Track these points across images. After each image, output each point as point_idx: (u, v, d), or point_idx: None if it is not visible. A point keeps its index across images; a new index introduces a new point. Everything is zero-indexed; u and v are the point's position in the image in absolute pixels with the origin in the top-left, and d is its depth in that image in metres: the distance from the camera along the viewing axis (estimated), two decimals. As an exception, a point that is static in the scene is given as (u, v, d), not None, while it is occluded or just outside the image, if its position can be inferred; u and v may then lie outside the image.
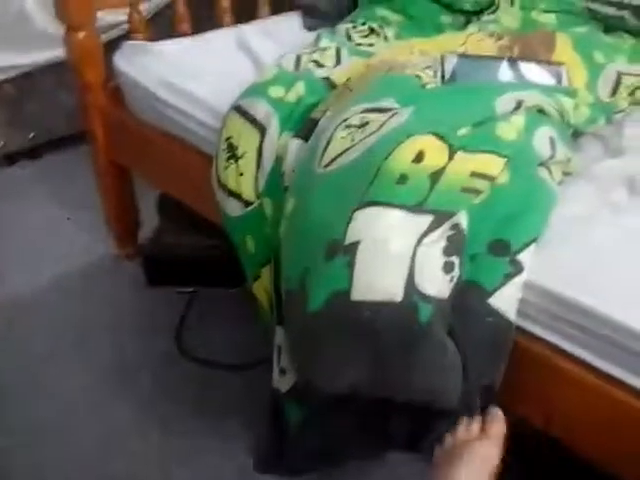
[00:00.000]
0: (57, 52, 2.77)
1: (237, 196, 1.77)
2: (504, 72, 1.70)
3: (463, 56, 1.75)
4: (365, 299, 1.34)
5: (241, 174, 1.76)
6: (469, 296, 1.40)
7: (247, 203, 1.76)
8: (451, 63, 1.72)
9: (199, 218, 2.24)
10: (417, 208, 1.36)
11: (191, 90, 2.13)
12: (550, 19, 2.05)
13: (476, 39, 1.88)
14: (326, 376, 1.47)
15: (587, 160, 1.64)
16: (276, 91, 1.81)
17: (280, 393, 1.71)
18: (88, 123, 2.50)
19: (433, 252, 1.36)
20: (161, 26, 2.73)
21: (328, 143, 1.56)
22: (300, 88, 1.82)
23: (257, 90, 1.84)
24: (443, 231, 1.37)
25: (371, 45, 2.11)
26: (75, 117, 2.68)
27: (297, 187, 1.61)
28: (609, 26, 2.02)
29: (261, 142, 1.75)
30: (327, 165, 1.51)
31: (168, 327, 2.42)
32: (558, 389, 1.41)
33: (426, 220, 1.36)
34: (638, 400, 1.30)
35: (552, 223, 1.44)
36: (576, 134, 1.70)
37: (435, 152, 1.42)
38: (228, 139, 1.81)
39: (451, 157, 1.42)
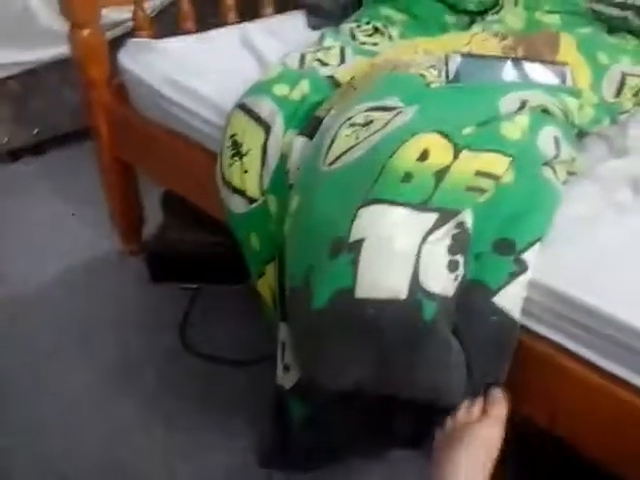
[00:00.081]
0: (61, 49, 2.79)
1: (241, 193, 1.77)
2: (508, 72, 1.70)
3: (467, 56, 1.75)
4: (369, 297, 1.34)
5: (245, 171, 1.76)
6: (474, 295, 1.40)
7: (251, 200, 1.76)
8: (455, 63, 1.72)
9: (203, 215, 2.25)
10: (422, 206, 1.36)
11: (195, 88, 2.14)
12: (554, 20, 2.05)
13: (480, 39, 1.87)
14: (330, 373, 1.48)
15: (592, 160, 1.64)
16: (280, 89, 1.82)
17: (284, 389, 1.71)
18: (92, 120, 2.51)
19: (438, 250, 1.36)
20: (165, 24, 2.74)
21: (332, 141, 1.56)
22: (304, 86, 1.82)
23: (262, 88, 1.85)
24: (448, 229, 1.37)
25: (375, 44, 2.11)
26: (79, 114, 2.69)
27: (302, 185, 1.61)
28: (613, 27, 2.02)
29: (266, 140, 1.76)
30: (332, 163, 1.52)
31: (172, 323, 2.43)
32: (562, 388, 1.41)
33: (431, 218, 1.36)
34: (642, 400, 1.31)
35: (557, 223, 1.44)
36: (580, 134, 1.70)
37: (440, 151, 1.42)
38: (232, 136, 1.81)
39: (456, 156, 1.42)
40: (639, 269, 1.36)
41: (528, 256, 1.39)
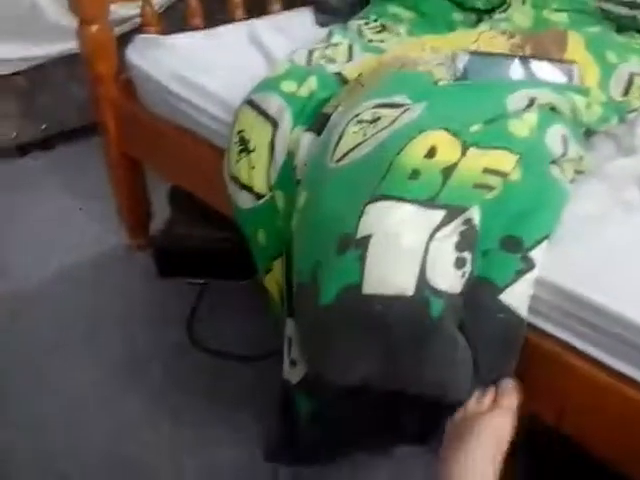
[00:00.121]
0: (69, 45, 2.80)
1: (249, 189, 1.78)
2: (515, 70, 1.70)
3: (475, 53, 1.75)
4: (377, 293, 1.35)
5: (253, 167, 1.77)
6: (480, 292, 1.40)
7: (259, 196, 1.77)
8: (463, 60, 1.72)
9: (210, 210, 2.25)
10: (429, 203, 1.37)
11: (203, 84, 2.14)
12: (562, 18, 2.05)
13: (488, 37, 1.87)
14: (337, 369, 1.48)
15: (599, 159, 1.64)
16: (288, 86, 1.82)
17: (290, 385, 1.71)
18: (100, 115, 2.51)
19: (445, 247, 1.36)
20: (173, 20, 2.74)
21: (340, 138, 1.56)
22: (312, 83, 1.82)
23: (269, 84, 1.85)
24: (455, 226, 1.37)
25: (383, 42, 2.11)
26: (87, 109, 2.69)
27: (309, 181, 1.62)
28: (621, 26, 2.02)
29: (273, 136, 1.76)
30: (339, 160, 1.52)
31: (179, 318, 2.43)
32: (569, 386, 1.41)
33: (438, 215, 1.37)
34: (649, 398, 1.32)
35: (564, 221, 1.44)
36: (588, 133, 1.70)
37: (447, 147, 1.43)
38: (240, 132, 1.81)
39: (463, 153, 1.42)
40: (647, 268, 1.36)
41: (535, 254, 1.39)
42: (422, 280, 1.34)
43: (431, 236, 1.36)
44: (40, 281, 2.66)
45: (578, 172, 1.58)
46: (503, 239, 1.41)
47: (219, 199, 1.96)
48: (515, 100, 1.56)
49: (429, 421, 1.54)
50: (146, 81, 2.34)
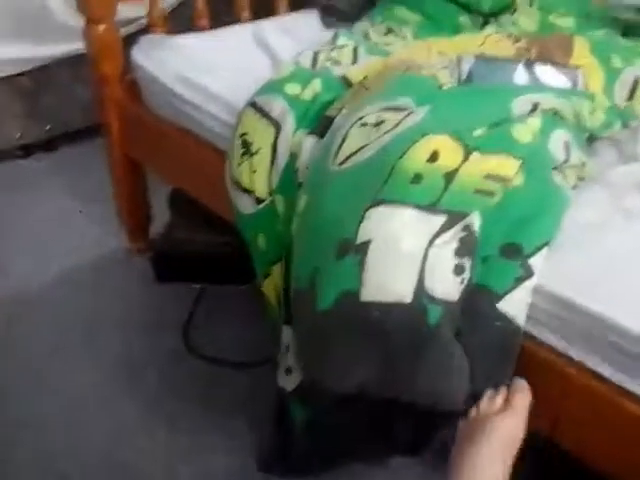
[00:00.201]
0: (74, 45, 2.80)
1: (250, 193, 1.76)
2: (520, 74, 1.69)
3: (480, 57, 1.74)
4: (375, 300, 1.34)
5: (254, 171, 1.76)
6: (479, 299, 1.39)
7: (259, 200, 1.75)
8: (468, 64, 1.71)
9: (210, 214, 2.24)
10: (430, 208, 1.36)
11: (207, 85, 2.13)
12: (568, 22, 2.05)
13: (494, 40, 1.87)
14: (335, 375, 1.47)
15: (602, 165, 1.63)
16: (292, 88, 1.81)
17: (285, 392, 1.70)
18: (104, 116, 2.50)
19: (445, 253, 1.35)
20: (180, 21, 2.73)
21: (343, 141, 1.55)
22: (316, 85, 1.81)
23: (273, 87, 1.84)
24: (455, 232, 1.36)
25: (388, 44, 2.11)
26: (91, 110, 2.69)
27: (310, 184, 1.60)
28: (627, 30, 2.02)
29: (276, 138, 1.75)
30: (341, 163, 1.51)
31: (176, 324, 2.41)
32: (565, 395, 1.39)
33: (439, 220, 1.35)
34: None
35: (565, 228, 1.43)
36: (591, 138, 1.69)
37: (450, 152, 1.42)
38: (243, 135, 1.80)
39: (466, 158, 1.41)
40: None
41: (535, 261, 1.38)
42: (420, 287, 1.33)
43: (431, 242, 1.34)
44: (43, 282, 2.65)
45: (580, 178, 1.57)
46: (503, 246, 1.40)
47: (221, 203, 1.95)
48: (520, 104, 1.55)
49: (422, 432, 1.52)
50: (151, 82, 2.33)
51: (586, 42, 1.81)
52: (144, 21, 2.62)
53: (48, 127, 3.39)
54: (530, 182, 1.45)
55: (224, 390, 2.16)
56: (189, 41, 2.37)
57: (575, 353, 1.36)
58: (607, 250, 1.40)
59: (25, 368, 2.29)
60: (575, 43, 1.80)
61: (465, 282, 1.37)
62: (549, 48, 1.78)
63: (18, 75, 3.23)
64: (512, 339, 1.38)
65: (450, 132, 1.44)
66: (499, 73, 1.70)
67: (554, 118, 1.57)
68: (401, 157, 1.40)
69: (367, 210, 1.37)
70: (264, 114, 1.79)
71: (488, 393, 1.40)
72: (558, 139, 1.53)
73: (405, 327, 1.34)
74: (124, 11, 2.60)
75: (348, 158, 1.51)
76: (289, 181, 1.71)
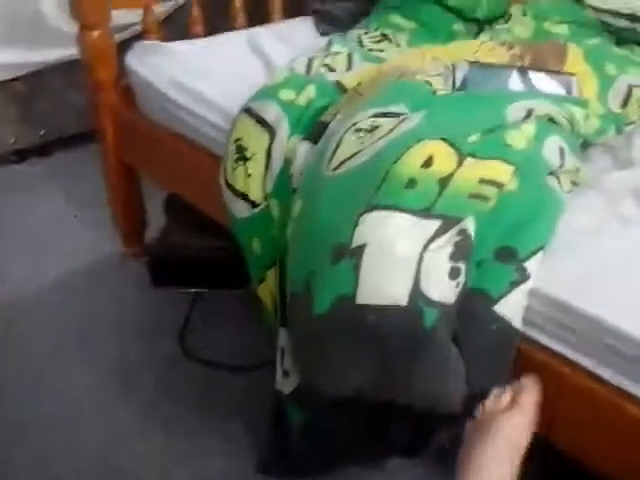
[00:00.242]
0: (68, 51, 2.80)
1: (245, 197, 1.77)
2: (514, 81, 1.70)
3: (474, 64, 1.75)
4: (370, 303, 1.34)
5: (249, 175, 1.76)
6: (474, 303, 1.39)
7: (254, 204, 1.76)
8: (462, 71, 1.72)
9: (205, 219, 2.24)
10: (425, 213, 1.36)
11: (201, 90, 2.13)
12: (562, 30, 2.05)
13: (488, 47, 1.87)
14: (331, 379, 1.47)
15: (596, 171, 1.64)
16: (287, 94, 1.81)
17: (283, 395, 1.71)
18: (98, 122, 2.50)
19: (440, 257, 1.35)
20: (175, 28, 2.74)
21: (337, 146, 1.56)
22: (311, 91, 1.81)
23: (268, 93, 1.84)
24: (450, 236, 1.36)
25: (382, 51, 2.10)
26: (85, 115, 2.69)
27: (305, 189, 1.61)
28: (621, 38, 2.02)
29: (270, 144, 1.75)
30: (336, 168, 1.51)
31: (172, 328, 2.41)
32: (560, 396, 1.40)
33: (433, 225, 1.36)
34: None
35: (560, 233, 1.44)
36: (585, 145, 1.70)
37: (444, 157, 1.42)
38: (237, 140, 1.80)
39: (460, 163, 1.42)
40: (641, 280, 1.35)
41: (530, 265, 1.39)
42: (416, 290, 1.33)
43: (425, 246, 1.35)
44: (38, 288, 2.65)
45: (574, 184, 1.58)
46: (498, 250, 1.41)
47: (215, 208, 1.95)
48: (514, 111, 1.56)
49: (419, 434, 1.52)
50: (145, 88, 2.33)
51: (580, 50, 1.82)
52: (139, 27, 2.62)
53: (42, 132, 3.39)
54: (524, 187, 1.46)
55: (220, 393, 2.16)
56: (183, 47, 2.38)
57: (571, 355, 1.37)
58: (602, 255, 1.40)
59: (23, 368, 2.29)
60: (569, 51, 1.81)
61: (460, 286, 1.37)
62: (543, 55, 1.78)
63: (12, 80, 3.23)
64: (508, 342, 1.39)
65: (445, 138, 1.45)
66: (494, 80, 1.71)
67: (548, 124, 1.58)
68: (395, 162, 1.41)
69: (361, 215, 1.37)
70: (259, 120, 1.79)
71: (495, 391, 1.39)
72: (552, 145, 1.54)
73: (401, 330, 1.34)
74: (118, 17, 2.61)
75: (342, 163, 1.51)
76: (284, 186, 1.71)
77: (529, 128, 1.52)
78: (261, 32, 2.44)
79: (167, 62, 2.30)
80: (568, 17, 2.08)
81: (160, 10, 2.92)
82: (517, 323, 1.39)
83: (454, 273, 1.36)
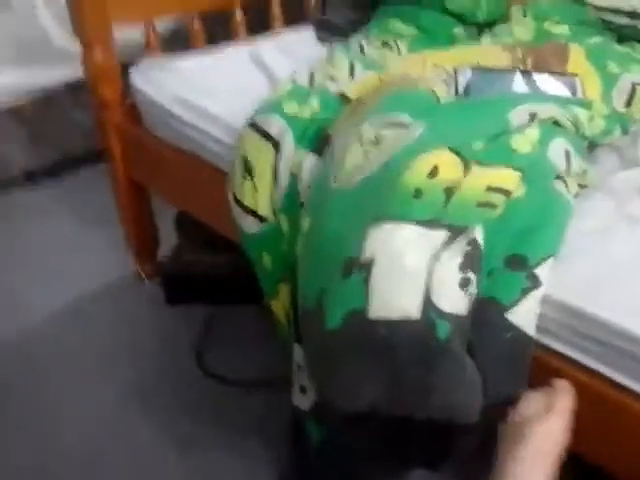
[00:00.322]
0: (72, 71, 2.79)
1: (253, 212, 1.76)
2: (518, 84, 1.70)
3: (477, 69, 1.74)
4: (382, 317, 1.33)
5: (257, 191, 1.75)
6: (487, 311, 1.38)
7: (263, 219, 1.75)
8: (465, 76, 1.72)
9: (217, 235, 2.24)
10: (432, 223, 1.35)
11: (206, 107, 2.13)
12: (563, 30, 2.03)
13: (489, 50, 1.87)
14: (345, 395, 1.45)
15: (603, 172, 1.63)
16: (290, 107, 1.80)
17: (301, 411, 1.70)
18: (105, 141, 2.50)
19: (449, 268, 1.34)
20: (177, 44, 2.73)
21: (343, 159, 1.55)
22: (314, 103, 1.81)
23: (271, 106, 1.83)
24: (459, 246, 1.35)
25: (384, 58, 2.09)
26: (92, 136, 2.69)
27: (312, 204, 1.60)
28: (622, 36, 2.01)
29: (276, 159, 1.74)
30: (342, 181, 1.51)
31: (187, 345, 2.41)
32: (578, 403, 1.35)
33: (442, 235, 1.35)
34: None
35: (569, 237, 1.43)
36: (591, 146, 1.69)
37: (450, 166, 1.41)
38: (243, 155, 1.80)
39: (466, 171, 1.41)
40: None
41: (541, 271, 1.38)
42: (427, 303, 1.32)
43: (435, 257, 1.34)
44: (52, 308, 2.65)
45: (582, 186, 1.57)
46: (508, 258, 1.40)
47: (224, 223, 1.95)
48: (517, 115, 1.55)
49: (438, 446, 1.51)
50: (150, 105, 2.33)
51: (581, 49, 1.81)
52: (141, 45, 2.62)
53: (51, 154, 3.41)
54: (531, 192, 1.45)
55: (237, 410, 2.16)
56: (187, 63, 2.38)
57: (587, 361, 1.36)
58: (612, 257, 1.39)
59: (38, 396, 2.29)
60: (570, 51, 1.80)
61: (472, 296, 1.36)
62: (545, 57, 1.77)
63: (20, 102, 3.24)
64: (523, 349, 1.38)
65: (449, 146, 1.44)
66: (497, 83, 1.71)
67: (553, 127, 1.57)
68: (401, 173, 1.40)
69: (369, 227, 1.36)
70: (263, 134, 1.78)
71: (528, 395, 1.35)
72: (558, 148, 1.53)
73: (413, 343, 1.32)
74: (121, 35, 2.61)
75: (348, 176, 1.50)
76: (291, 201, 1.71)
77: (533, 132, 1.51)
78: (262, 44, 2.44)
79: (171, 79, 2.31)
80: (568, 17, 2.07)
81: (163, 27, 2.92)
82: (531, 330, 1.37)
83: (465, 283, 1.35)
